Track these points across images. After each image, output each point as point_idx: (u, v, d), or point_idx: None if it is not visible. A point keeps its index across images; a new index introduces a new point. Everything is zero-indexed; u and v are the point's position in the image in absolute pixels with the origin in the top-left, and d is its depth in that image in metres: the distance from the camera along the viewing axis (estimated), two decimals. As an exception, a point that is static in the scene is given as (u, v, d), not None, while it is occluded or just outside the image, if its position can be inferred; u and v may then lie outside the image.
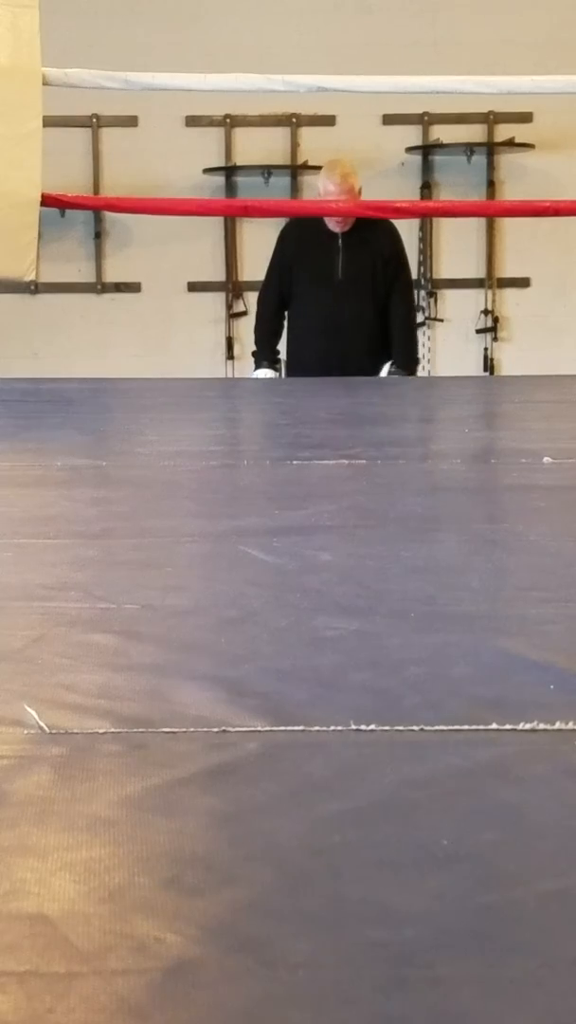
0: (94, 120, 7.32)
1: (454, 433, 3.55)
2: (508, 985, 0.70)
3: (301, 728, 1.08)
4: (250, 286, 7.05)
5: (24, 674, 1.24)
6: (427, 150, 7.44)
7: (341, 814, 0.91)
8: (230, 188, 7.44)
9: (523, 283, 7.54)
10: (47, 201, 4.78)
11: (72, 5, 6.90)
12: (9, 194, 4.59)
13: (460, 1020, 0.67)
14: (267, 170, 7.32)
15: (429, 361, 7.35)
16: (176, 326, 7.51)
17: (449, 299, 7.54)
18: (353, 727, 1.07)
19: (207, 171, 7.35)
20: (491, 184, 7.44)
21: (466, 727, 1.08)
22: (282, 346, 5.50)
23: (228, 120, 7.38)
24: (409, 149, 7.43)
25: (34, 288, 7.14)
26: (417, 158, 7.47)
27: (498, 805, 0.93)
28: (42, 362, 7.19)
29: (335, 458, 2.73)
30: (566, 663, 1.26)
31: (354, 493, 2.35)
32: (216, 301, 7.51)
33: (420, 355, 5.75)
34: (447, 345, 7.51)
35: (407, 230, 6.10)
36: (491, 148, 7.42)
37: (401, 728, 1.08)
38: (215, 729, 1.08)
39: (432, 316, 7.45)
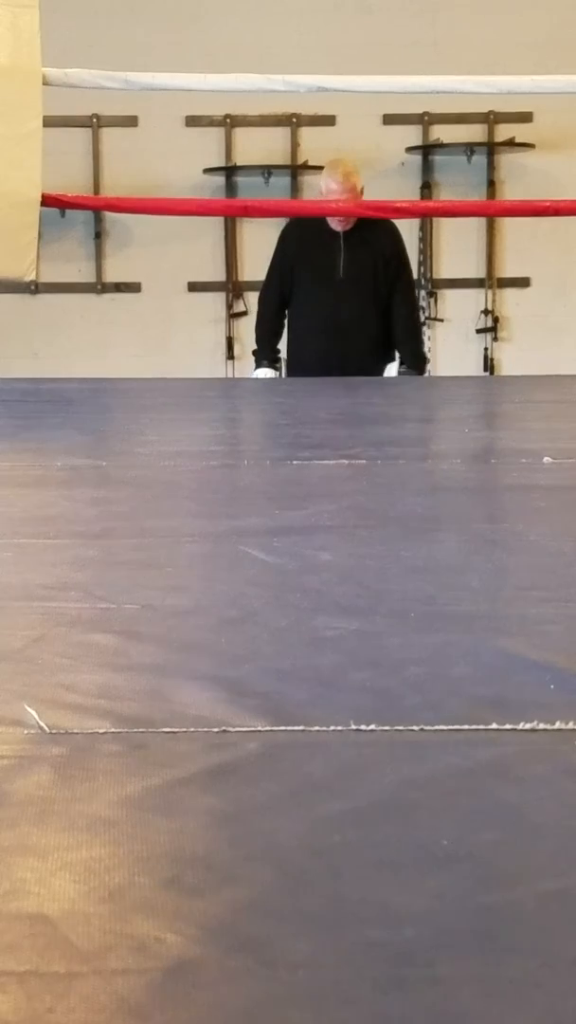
0: (94, 120, 7.32)
1: (454, 433, 3.55)
2: (508, 985, 0.70)
3: (301, 728, 1.08)
4: (250, 286, 7.05)
5: (24, 674, 1.25)
6: (427, 150, 7.44)
7: (341, 814, 0.91)
8: (230, 188, 7.44)
9: (523, 283, 7.54)
10: (47, 201, 4.78)
11: (72, 5, 6.90)
12: (9, 194, 4.59)
13: (460, 1020, 0.67)
14: (267, 170, 7.32)
15: (429, 361, 7.35)
16: (176, 326, 7.51)
17: (449, 299, 7.54)
18: (353, 727, 1.07)
19: (207, 171, 7.35)
20: (491, 184, 7.44)
21: (466, 727, 1.08)
22: (282, 345, 5.50)
23: (228, 120, 7.38)
24: (409, 149, 7.43)
25: (34, 288, 7.14)
26: (417, 158, 7.47)
27: (498, 805, 0.93)
28: (42, 362, 7.19)
29: (335, 458, 2.73)
30: (566, 663, 1.26)
31: (354, 493, 2.35)
32: (216, 301, 7.51)
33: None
34: (447, 345, 7.51)
35: (407, 230, 6.10)
36: (491, 148, 7.42)
37: (401, 728, 1.08)
38: (215, 729, 1.08)
39: (432, 316, 7.45)
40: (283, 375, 5.53)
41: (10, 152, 4.57)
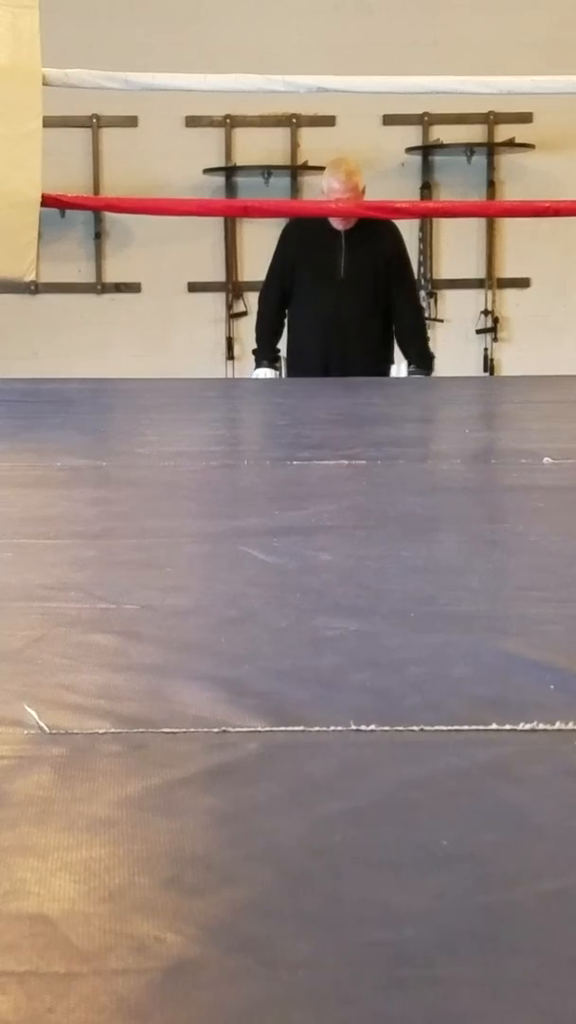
0: (94, 120, 7.32)
1: (454, 433, 3.55)
2: (508, 985, 0.70)
3: (301, 728, 1.08)
4: (250, 286, 7.05)
5: (24, 674, 1.25)
6: (427, 150, 7.44)
7: (341, 814, 0.91)
8: (230, 188, 7.44)
9: (523, 283, 7.54)
10: (47, 201, 4.78)
11: (72, 5, 6.90)
12: (9, 194, 4.59)
13: (460, 1020, 0.67)
14: (267, 170, 7.32)
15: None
16: (176, 326, 7.51)
17: (449, 299, 7.55)
18: (353, 727, 1.07)
19: (207, 171, 7.35)
20: (491, 184, 7.44)
21: (466, 727, 1.08)
22: (282, 344, 5.49)
23: (228, 120, 7.38)
24: (409, 149, 7.43)
25: (34, 288, 7.14)
26: (417, 158, 7.47)
27: (498, 805, 0.93)
28: (42, 362, 7.19)
29: (335, 458, 2.73)
30: (566, 663, 1.26)
31: (354, 493, 2.35)
32: (216, 301, 7.51)
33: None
34: (447, 345, 7.51)
35: (407, 230, 6.10)
36: (491, 148, 7.42)
37: (401, 728, 1.08)
38: (215, 729, 1.08)
39: (432, 316, 7.45)
40: (283, 375, 5.53)
41: (10, 152, 4.57)
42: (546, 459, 2.59)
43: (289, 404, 4.23)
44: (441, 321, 7.51)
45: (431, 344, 5.91)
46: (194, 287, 7.47)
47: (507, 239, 7.50)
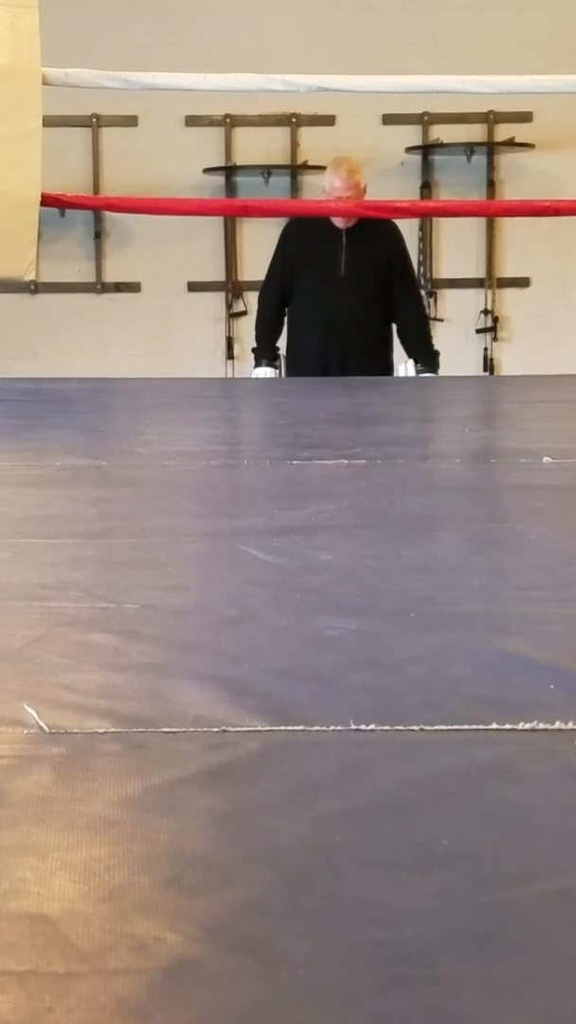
0: (94, 120, 7.32)
1: (454, 433, 3.55)
2: (508, 985, 0.70)
3: (301, 728, 1.08)
4: (250, 286, 7.05)
5: (24, 674, 1.25)
6: (427, 150, 7.44)
7: (341, 814, 0.91)
8: (230, 188, 7.44)
9: (523, 283, 7.54)
10: (47, 201, 4.78)
11: (72, 5, 6.89)
12: (9, 194, 4.59)
13: (460, 1020, 0.67)
14: (267, 170, 7.32)
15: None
16: (176, 326, 7.51)
17: (449, 299, 7.54)
18: (353, 727, 1.07)
19: (207, 171, 7.35)
20: (491, 184, 7.44)
21: (466, 727, 1.08)
22: (282, 343, 5.49)
23: (228, 120, 7.38)
24: (409, 149, 7.43)
25: (34, 288, 7.14)
26: (417, 158, 7.47)
27: (498, 805, 0.93)
28: (42, 362, 7.19)
29: (335, 458, 2.73)
30: (566, 663, 1.26)
31: (354, 493, 2.35)
32: (216, 301, 7.51)
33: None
34: (447, 345, 7.48)
35: (407, 230, 6.09)
36: (491, 148, 7.42)
37: (401, 728, 1.08)
38: (215, 729, 1.08)
39: (432, 316, 7.44)
40: (282, 373, 5.52)
41: (10, 152, 4.57)
42: (546, 459, 2.59)
43: (289, 404, 4.23)
44: (441, 321, 7.51)
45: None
46: (194, 287, 7.47)
47: (507, 239, 7.50)
